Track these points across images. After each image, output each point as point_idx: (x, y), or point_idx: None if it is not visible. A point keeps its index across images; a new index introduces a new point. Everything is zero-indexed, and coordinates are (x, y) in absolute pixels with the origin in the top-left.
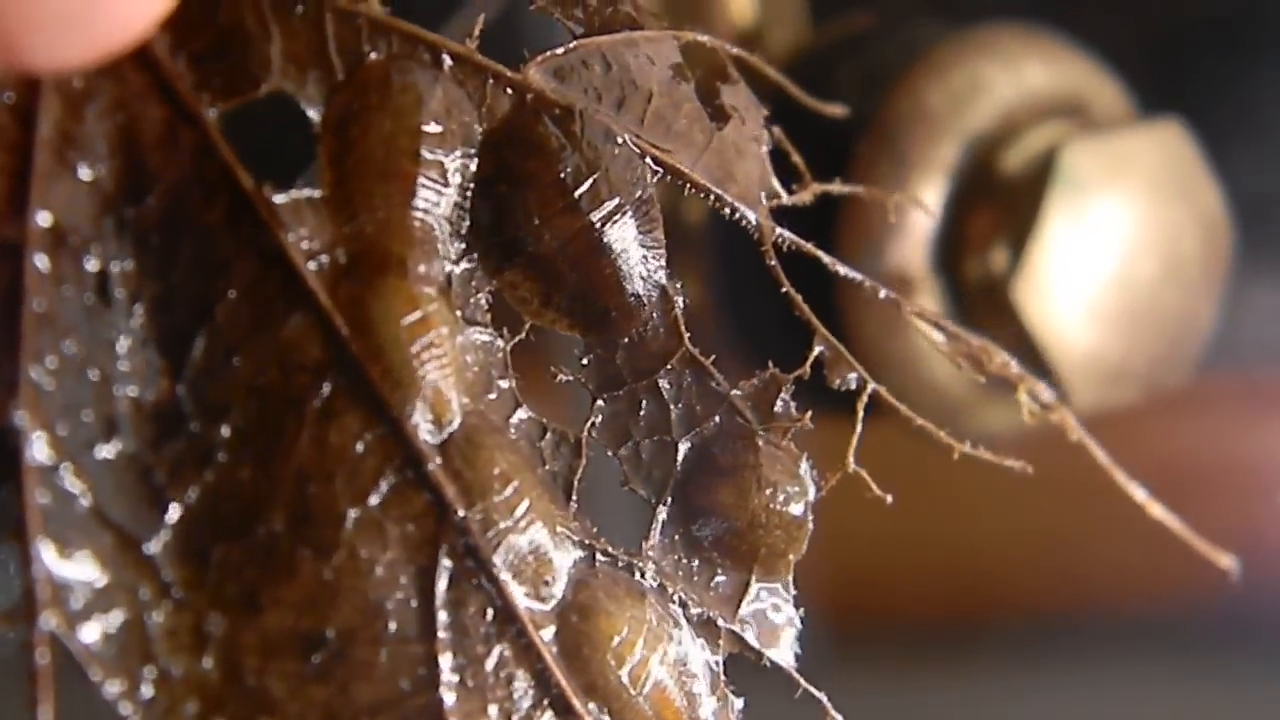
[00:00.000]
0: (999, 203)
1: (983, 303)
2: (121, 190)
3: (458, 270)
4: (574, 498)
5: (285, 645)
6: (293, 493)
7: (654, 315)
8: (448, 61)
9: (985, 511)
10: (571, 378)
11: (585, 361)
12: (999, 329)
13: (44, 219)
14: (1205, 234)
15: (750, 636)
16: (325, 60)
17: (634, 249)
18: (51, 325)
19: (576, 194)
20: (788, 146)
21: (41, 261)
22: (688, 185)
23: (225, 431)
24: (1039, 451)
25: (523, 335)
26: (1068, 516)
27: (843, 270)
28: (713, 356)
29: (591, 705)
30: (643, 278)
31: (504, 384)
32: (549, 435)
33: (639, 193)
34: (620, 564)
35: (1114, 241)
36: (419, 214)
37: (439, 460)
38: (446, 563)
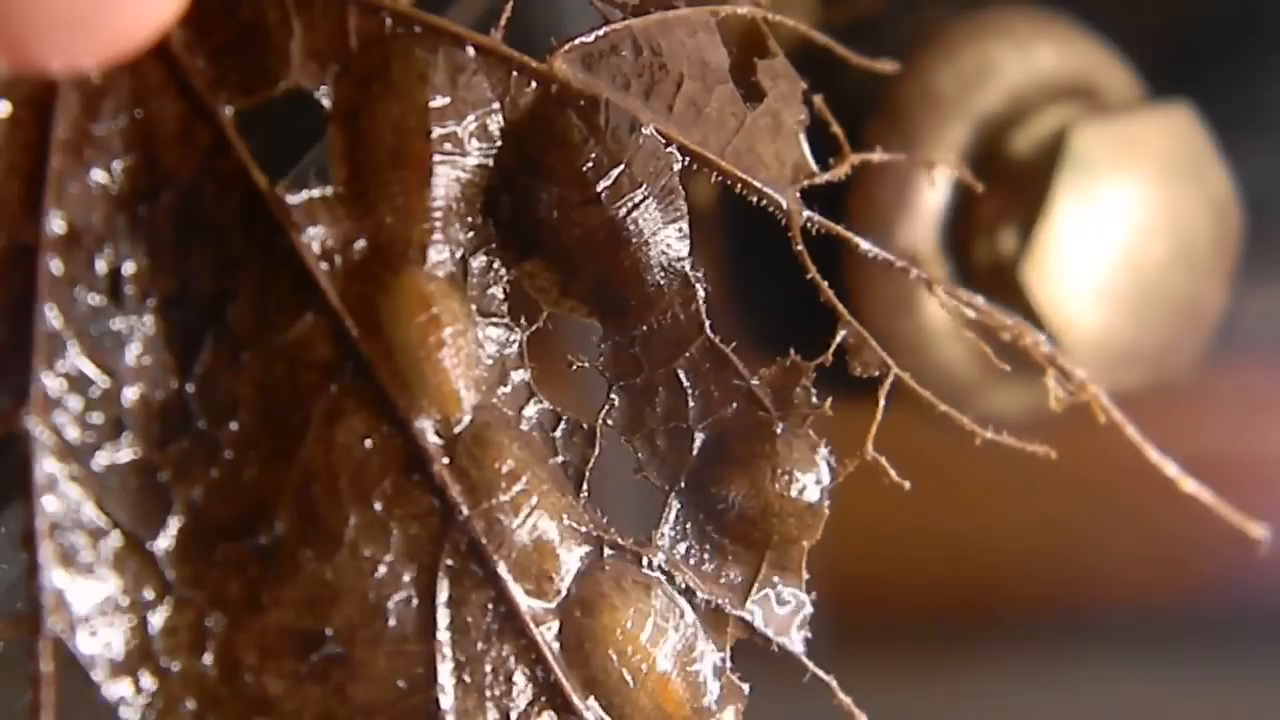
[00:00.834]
0: (1008, 185)
1: (991, 284)
2: (136, 187)
3: (475, 262)
4: (585, 487)
5: (284, 644)
6: (297, 492)
7: (674, 303)
8: (471, 53)
9: (991, 502)
10: (588, 365)
11: (602, 349)
12: (1007, 310)
13: (58, 222)
14: (1214, 217)
15: (759, 623)
16: (346, 55)
17: (656, 239)
18: (64, 328)
19: (599, 187)
20: (828, 117)
21: (55, 265)
22: (714, 173)
23: (232, 430)
24: (1046, 442)
25: (539, 324)
26: (1075, 508)
27: (872, 251)
28: (733, 344)
29: (591, 701)
30: (664, 267)
31: (518, 376)
32: (563, 424)
33: (663, 182)
34: (628, 555)
35: (1123, 224)
36: (439, 193)
37: (446, 460)
38: (448, 561)
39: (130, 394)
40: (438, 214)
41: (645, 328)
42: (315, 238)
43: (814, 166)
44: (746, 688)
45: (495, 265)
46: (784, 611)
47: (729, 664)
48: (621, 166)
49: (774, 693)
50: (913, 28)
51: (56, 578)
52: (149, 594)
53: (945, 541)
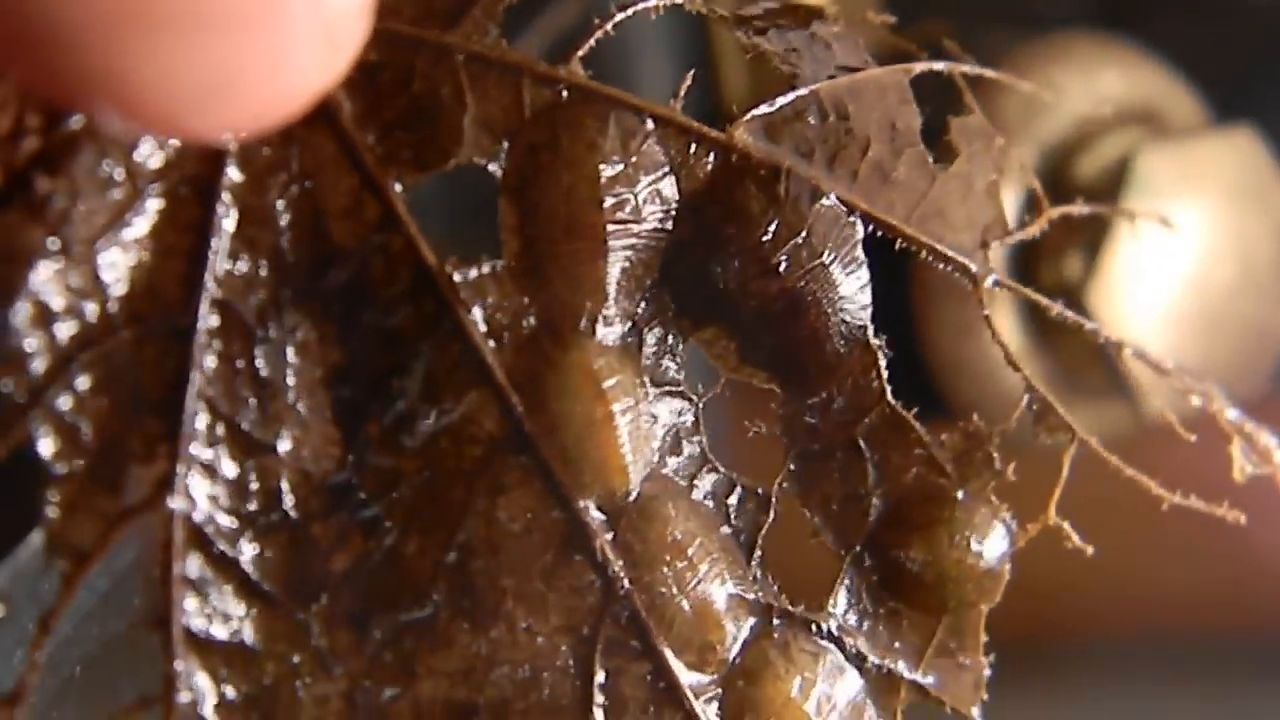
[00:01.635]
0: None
1: None
2: (303, 260)
3: (650, 334)
4: (758, 553)
5: (436, 714)
6: (457, 566)
7: (855, 370)
8: (649, 124)
9: (1043, 533)
10: (765, 430)
11: (781, 414)
12: (1072, 336)
13: (217, 305)
14: None
15: (933, 685)
16: (518, 127)
17: (835, 307)
18: (219, 405)
19: (776, 259)
20: (1028, 174)
21: (213, 345)
22: (899, 240)
23: (393, 503)
24: (1103, 472)
25: (716, 391)
26: (1125, 539)
27: (1064, 314)
28: (914, 410)
29: None
30: (844, 335)
31: (692, 445)
32: (737, 491)
33: (844, 250)
34: (798, 621)
35: (1188, 248)
36: (613, 263)
37: (609, 536)
38: (608, 634)
39: (287, 466)
40: (611, 285)
41: (825, 394)
42: (483, 315)
43: (1008, 225)
44: None
45: (670, 337)
46: (959, 674)
47: None
48: (801, 237)
49: None
50: (978, 54)
51: (189, 665)
52: (298, 659)
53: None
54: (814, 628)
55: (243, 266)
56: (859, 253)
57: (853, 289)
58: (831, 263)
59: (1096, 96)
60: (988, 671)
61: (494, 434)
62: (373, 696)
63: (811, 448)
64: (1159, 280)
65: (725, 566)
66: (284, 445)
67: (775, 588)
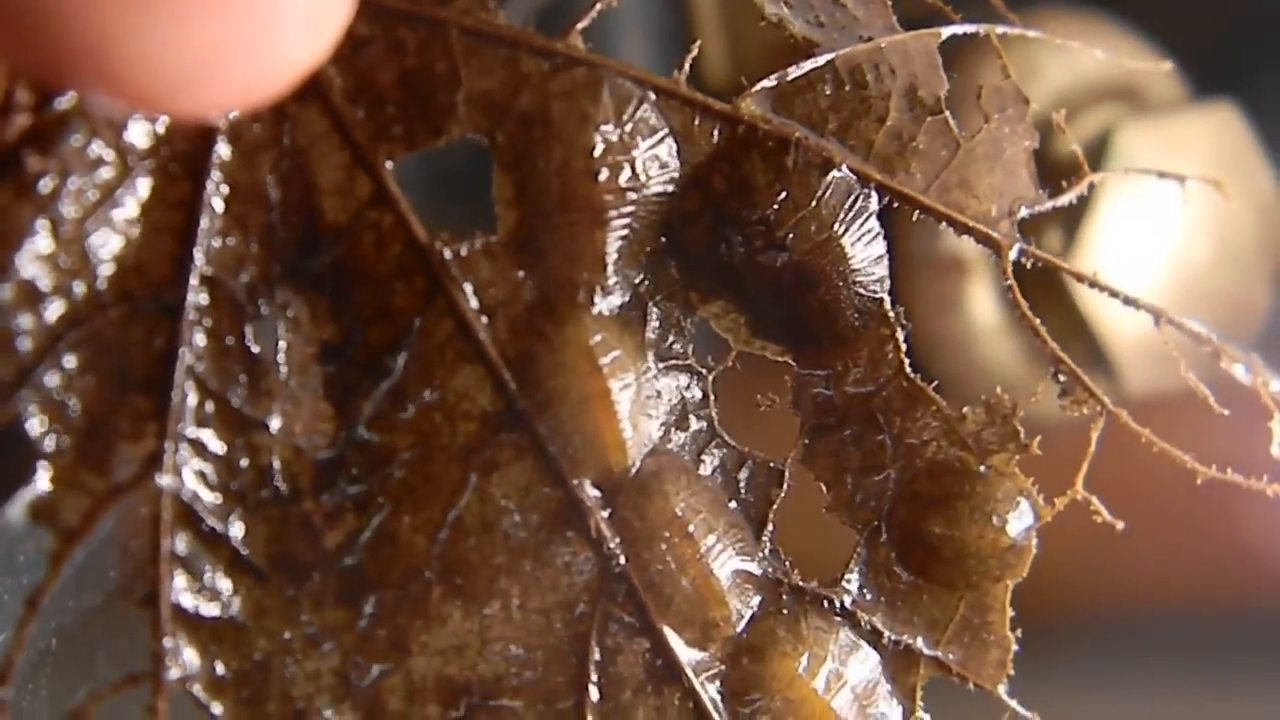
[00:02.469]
0: (1053, 185)
1: (1036, 285)
2: (294, 237)
3: (655, 308)
4: (770, 527)
5: (429, 690)
6: (449, 542)
7: (871, 342)
8: (651, 96)
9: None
10: (778, 404)
11: (794, 387)
12: (1051, 311)
13: (206, 281)
14: (1259, 216)
15: (954, 662)
16: (511, 101)
17: (847, 280)
18: (209, 382)
19: (782, 232)
20: (1069, 139)
21: (203, 322)
22: (917, 210)
23: (387, 479)
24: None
25: (727, 365)
26: (1118, 516)
27: (1099, 285)
28: (934, 383)
29: None
30: (857, 308)
31: (699, 419)
32: (747, 465)
33: (857, 222)
34: (809, 597)
35: (1167, 224)
36: (611, 234)
37: (606, 513)
38: (605, 611)
39: (279, 442)
40: (611, 256)
41: (840, 366)
42: (474, 290)
43: (1036, 193)
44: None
45: (677, 310)
46: (982, 649)
47: (919, 705)
48: (809, 209)
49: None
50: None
51: (179, 644)
52: (289, 636)
53: None
54: (827, 604)
55: (233, 243)
56: (874, 224)
57: (866, 261)
58: (843, 235)
59: (1076, 72)
60: (1014, 648)
61: (487, 411)
62: (364, 672)
63: (826, 421)
64: (1138, 255)
65: (731, 542)
66: (275, 422)
67: (787, 563)
